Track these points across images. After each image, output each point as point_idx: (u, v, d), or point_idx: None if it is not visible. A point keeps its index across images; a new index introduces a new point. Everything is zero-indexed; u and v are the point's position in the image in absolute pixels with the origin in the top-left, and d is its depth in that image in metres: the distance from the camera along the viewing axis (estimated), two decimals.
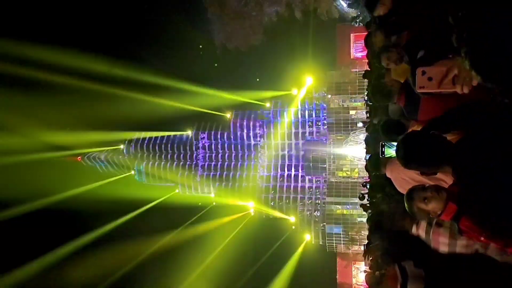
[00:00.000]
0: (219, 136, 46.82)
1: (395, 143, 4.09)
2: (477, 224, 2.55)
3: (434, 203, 2.81)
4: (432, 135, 2.72)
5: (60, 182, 42.76)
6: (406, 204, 2.94)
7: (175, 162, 48.69)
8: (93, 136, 45.71)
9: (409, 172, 4.11)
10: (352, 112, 42.47)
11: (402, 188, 4.37)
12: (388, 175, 4.65)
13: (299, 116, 44.52)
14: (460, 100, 3.42)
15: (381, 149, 4.29)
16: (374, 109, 9.08)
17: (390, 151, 4.16)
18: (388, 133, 5.11)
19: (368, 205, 10.97)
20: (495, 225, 2.48)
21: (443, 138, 2.72)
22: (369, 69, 11.60)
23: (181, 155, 48.61)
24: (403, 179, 4.24)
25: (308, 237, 43.24)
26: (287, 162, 45.04)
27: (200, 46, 45.22)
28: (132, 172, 50.50)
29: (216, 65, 44.87)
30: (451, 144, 2.68)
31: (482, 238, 2.58)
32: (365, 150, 13.52)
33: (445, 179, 3.45)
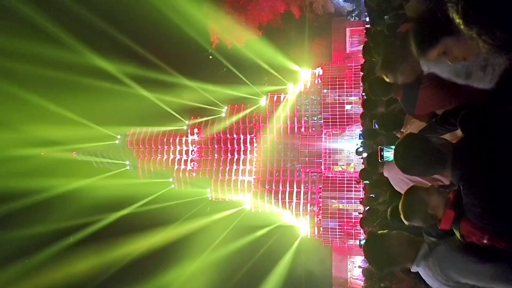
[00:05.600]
0: (214, 131, 46.66)
1: (393, 147, 4.03)
2: (477, 226, 2.49)
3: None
4: (429, 138, 2.67)
5: (54, 177, 42.58)
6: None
7: (170, 157, 48.57)
8: (88, 130, 45.52)
9: None
10: (347, 106, 42.48)
11: (399, 188, 4.36)
12: (385, 174, 4.63)
13: (295, 110, 44.44)
14: (457, 98, 3.39)
15: (380, 153, 4.22)
16: (370, 104, 9.00)
17: (389, 155, 4.09)
18: (384, 127, 5.06)
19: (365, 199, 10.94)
20: (497, 226, 2.42)
21: (441, 140, 2.67)
22: (364, 63, 11.56)
23: (177, 150, 48.48)
24: (401, 179, 4.23)
25: (304, 232, 43.36)
26: (283, 157, 45.02)
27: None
28: (127, 167, 50.33)
29: (210, 57, 44.40)
30: (450, 146, 2.62)
31: (485, 241, 2.53)
32: (360, 147, 13.43)
33: (442, 179, 3.41)
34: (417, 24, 2.68)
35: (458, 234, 2.70)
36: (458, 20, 1.93)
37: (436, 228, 2.89)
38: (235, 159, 46.42)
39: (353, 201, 40.85)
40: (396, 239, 3.08)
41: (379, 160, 4.66)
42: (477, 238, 2.56)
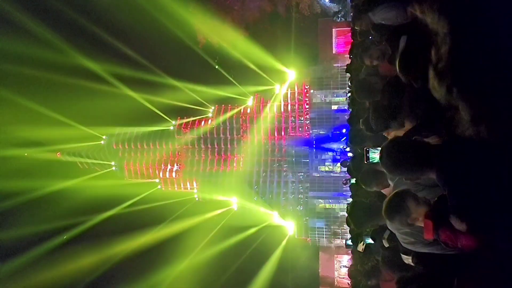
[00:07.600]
0: (201, 131, 46.44)
1: (379, 148, 4.07)
2: (455, 231, 2.51)
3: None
4: (414, 141, 2.69)
5: (39, 178, 41.94)
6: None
7: (157, 158, 48.19)
8: (73, 131, 44.91)
9: None
10: (334, 107, 42.72)
11: None
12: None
13: (282, 111, 44.49)
14: None
15: (366, 154, 4.23)
16: (356, 105, 9.07)
17: (375, 156, 4.11)
18: (370, 127, 5.08)
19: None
20: (483, 227, 2.42)
21: (425, 143, 2.70)
22: (350, 63, 11.67)
23: (163, 150, 48.11)
24: None
25: (291, 232, 43.45)
26: (270, 157, 45.04)
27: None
28: (113, 168, 49.80)
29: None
30: (433, 148, 2.65)
31: (459, 245, 2.54)
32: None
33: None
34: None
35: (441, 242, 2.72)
36: None
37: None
38: (222, 160, 46.29)
39: (339, 200, 41.08)
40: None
41: (365, 162, 4.69)
42: (455, 243, 2.58)
